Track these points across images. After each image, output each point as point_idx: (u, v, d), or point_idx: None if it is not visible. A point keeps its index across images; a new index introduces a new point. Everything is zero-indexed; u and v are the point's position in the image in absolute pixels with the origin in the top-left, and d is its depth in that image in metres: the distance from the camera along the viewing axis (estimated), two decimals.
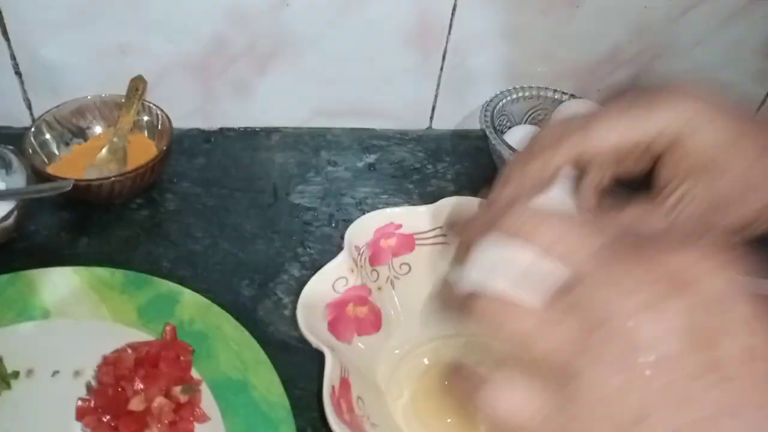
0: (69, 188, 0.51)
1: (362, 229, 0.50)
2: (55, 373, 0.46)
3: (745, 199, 0.36)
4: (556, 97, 0.66)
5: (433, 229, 0.52)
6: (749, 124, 0.36)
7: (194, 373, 0.47)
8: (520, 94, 0.66)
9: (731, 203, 0.36)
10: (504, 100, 0.65)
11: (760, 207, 0.36)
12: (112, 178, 0.54)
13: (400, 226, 0.52)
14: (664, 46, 0.68)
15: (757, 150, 0.35)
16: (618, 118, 0.35)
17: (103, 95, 0.61)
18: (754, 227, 0.37)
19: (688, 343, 0.23)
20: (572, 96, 0.66)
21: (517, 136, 0.63)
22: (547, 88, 0.66)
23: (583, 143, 0.35)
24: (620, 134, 0.35)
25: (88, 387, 0.46)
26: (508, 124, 0.66)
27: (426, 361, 0.49)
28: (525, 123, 0.67)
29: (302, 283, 0.48)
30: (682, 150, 0.35)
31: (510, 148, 0.59)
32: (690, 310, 0.24)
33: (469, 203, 0.53)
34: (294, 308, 0.46)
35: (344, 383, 0.42)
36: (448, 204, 0.52)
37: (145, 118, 0.61)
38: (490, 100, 0.65)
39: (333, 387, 0.41)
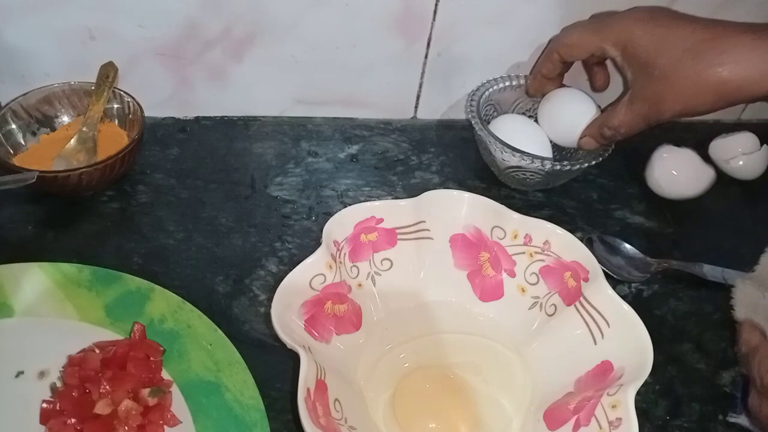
0: (33, 180, 0.49)
1: (341, 224, 0.48)
2: (19, 374, 0.44)
3: (676, 93, 0.50)
4: None
5: (416, 223, 0.51)
6: (680, 27, 0.50)
7: (165, 374, 0.44)
8: (508, 83, 0.64)
9: (663, 99, 0.50)
10: (491, 89, 0.63)
11: (689, 95, 0.49)
12: (80, 170, 0.52)
13: (381, 220, 0.50)
14: None
15: (679, 50, 0.49)
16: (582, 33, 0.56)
17: (72, 83, 0.59)
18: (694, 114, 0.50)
19: None
20: (562, 84, 0.64)
21: (504, 125, 0.61)
22: None
23: (558, 52, 0.57)
24: (583, 47, 0.55)
25: (53, 389, 0.43)
26: (495, 113, 0.64)
27: (407, 362, 0.47)
28: (512, 112, 0.65)
29: (280, 279, 0.45)
30: (627, 54, 0.52)
31: (495, 138, 0.57)
32: None
33: (452, 197, 0.51)
34: (270, 306, 0.44)
35: (320, 385, 0.40)
36: (431, 197, 0.50)
37: (116, 106, 0.59)
38: (476, 89, 0.63)
39: (308, 390, 0.39)
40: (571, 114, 0.59)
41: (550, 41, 0.62)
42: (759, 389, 0.43)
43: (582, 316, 0.46)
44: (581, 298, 0.46)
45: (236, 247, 0.54)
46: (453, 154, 0.65)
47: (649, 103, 0.51)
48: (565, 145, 0.61)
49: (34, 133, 0.58)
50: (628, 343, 0.43)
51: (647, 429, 0.46)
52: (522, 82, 0.64)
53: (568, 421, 0.42)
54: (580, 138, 0.58)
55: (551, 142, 0.62)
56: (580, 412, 0.42)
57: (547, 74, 0.59)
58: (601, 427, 0.40)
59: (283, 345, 0.42)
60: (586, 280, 0.47)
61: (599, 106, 0.60)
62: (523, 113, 0.65)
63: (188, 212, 0.57)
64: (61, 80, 0.59)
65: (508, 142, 0.57)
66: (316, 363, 0.41)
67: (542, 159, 0.56)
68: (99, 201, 0.56)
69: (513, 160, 0.57)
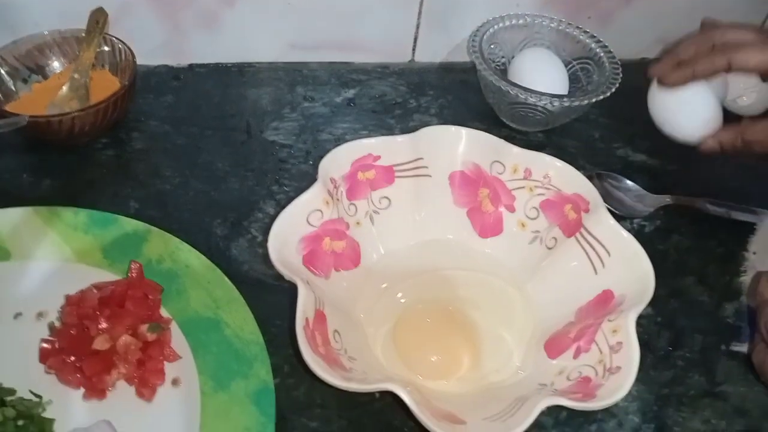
0: (24, 124, 0.48)
1: (338, 161, 0.48)
2: (18, 315, 0.44)
3: None
4: (552, 25, 0.62)
5: (414, 160, 0.50)
6: None
7: (164, 312, 0.44)
8: (513, 22, 0.62)
9: None
10: (495, 27, 0.61)
11: None
12: (73, 114, 0.51)
13: (378, 157, 0.49)
14: None
15: None
16: (760, 49, 0.48)
17: (62, 30, 0.57)
18: None
19: None
20: (569, 23, 0.62)
21: (524, 59, 0.60)
22: (542, 16, 0.62)
23: (730, 63, 0.48)
24: (759, 61, 0.48)
25: (52, 328, 0.43)
26: (501, 53, 0.63)
27: (407, 298, 0.47)
28: (520, 51, 0.63)
29: None
30: None
31: (500, 77, 0.56)
32: None
33: (450, 132, 0.50)
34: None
35: (319, 316, 0.40)
36: (428, 133, 0.50)
37: (107, 49, 0.58)
38: (481, 26, 0.61)
39: (307, 319, 0.38)
40: (696, 110, 0.53)
41: (703, 27, 0.53)
42: (766, 341, 0.43)
43: (582, 246, 0.46)
44: (582, 229, 0.46)
45: (233, 191, 0.54)
46: (452, 96, 0.64)
47: None
48: (674, 135, 0.54)
49: (25, 81, 0.57)
50: (629, 270, 0.43)
51: (650, 359, 0.46)
52: (529, 21, 0.62)
53: (568, 348, 0.42)
54: (707, 139, 0.52)
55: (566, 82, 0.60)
56: (581, 339, 0.41)
57: (701, 75, 0.50)
58: (602, 352, 0.40)
59: (282, 284, 0.42)
60: (587, 211, 0.46)
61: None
62: None
63: (184, 158, 0.56)
64: (51, 28, 0.57)
65: (526, 77, 0.56)
66: (315, 295, 0.41)
67: (550, 96, 0.55)
68: (94, 148, 0.56)
69: (520, 96, 0.56)
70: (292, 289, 0.41)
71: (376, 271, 0.48)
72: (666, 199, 0.55)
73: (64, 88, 0.56)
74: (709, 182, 0.58)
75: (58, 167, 0.54)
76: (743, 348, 0.47)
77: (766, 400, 0.45)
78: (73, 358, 0.41)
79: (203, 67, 0.64)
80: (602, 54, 0.60)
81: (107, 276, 0.46)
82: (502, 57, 0.63)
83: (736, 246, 0.53)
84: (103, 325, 0.42)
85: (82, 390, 0.41)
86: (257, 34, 0.63)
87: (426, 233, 0.50)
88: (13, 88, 0.56)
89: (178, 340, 0.43)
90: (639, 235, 0.53)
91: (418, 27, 0.64)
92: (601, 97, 0.56)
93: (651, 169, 0.59)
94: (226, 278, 0.46)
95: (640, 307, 0.40)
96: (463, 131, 0.50)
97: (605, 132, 0.62)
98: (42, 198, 0.51)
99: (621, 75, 0.58)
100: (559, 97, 0.56)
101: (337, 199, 0.47)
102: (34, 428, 0.38)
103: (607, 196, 0.54)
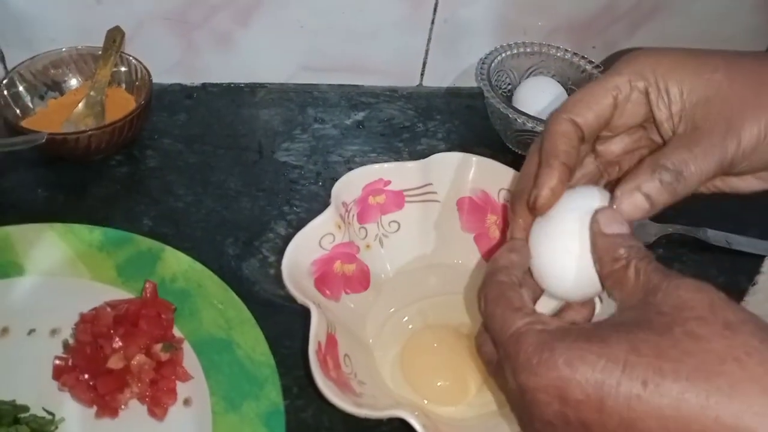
0: (42, 141, 0.49)
1: (350, 185, 0.49)
2: (31, 331, 0.45)
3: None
4: (558, 54, 0.64)
5: (423, 186, 0.51)
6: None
7: (176, 332, 0.45)
8: (520, 50, 0.64)
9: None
10: (503, 55, 0.63)
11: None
12: (89, 132, 0.52)
13: (389, 182, 0.50)
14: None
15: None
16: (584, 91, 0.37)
17: (79, 47, 0.59)
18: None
19: None
20: (574, 54, 0.63)
21: (530, 86, 0.61)
22: (549, 45, 0.64)
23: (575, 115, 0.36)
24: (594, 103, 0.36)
25: (66, 345, 0.44)
26: (507, 80, 0.64)
27: (414, 322, 0.48)
28: (527, 78, 0.64)
29: (289, 241, 0.46)
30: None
31: (507, 104, 0.57)
32: None
33: (460, 159, 0.51)
34: (280, 267, 0.45)
35: (331, 340, 0.41)
36: (438, 160, 0.51)
37: (123, 69, 0.59)
38: (489, 53, 0.62)
39: (319, 343, 0.39)
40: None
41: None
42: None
43: None
44: None
45: (245, 211, 0.55)
46: (459, 121, 0.65)
47: (721, 123, 0.33)
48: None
49: (42, 97, 0.58)
50: None
51: None
52: (536, 49, 0.64)
53: None
54: (621, 197, 0.35)
55: None
56: None
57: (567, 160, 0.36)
58: None
59: (292, 305, 0.42)
60: None
61: None
62: None
63: (197, 176, 0.57)
64: (68, 45, 0.59)
65: (532, 105, 0.57)
66: (327, 318, 0.42)
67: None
68: (108, 165, 0.57)
69: (527, 124, 0.57)
70: (301, 310, 0.42)
71: (385, 294, 0.49)
72: (668, 228, 0.56)
73: (80, 105, 0.57)
74: (711, 212, 0.59)
75: (73, 183, 0.55)
76: None
77: None
78: (86, 376, 0.42)
79: (216, 86, 0.65)
80: None
81: (120, 294, 0.47)
82: (509, 84, 0.64)
83: (737, 275, 0.54)
84: (118, 343, 0.42)
85: (94, 408, 0.41)
86: (269, 56, 0.64)
87: (434, 257, 0.51)
88: (30, 104, 0.57)
89: (190, 360, 0.44)
90: None
91: (427, 52, 0.66)
92: None
93: None
94: (238, 299, 0.46)
95: None
96: (473, 159, 0.51)
97: None
98: (57, 214, 0.52)
99: None
100: None
101: (348, 223, 0.48)
102: None
103: None
